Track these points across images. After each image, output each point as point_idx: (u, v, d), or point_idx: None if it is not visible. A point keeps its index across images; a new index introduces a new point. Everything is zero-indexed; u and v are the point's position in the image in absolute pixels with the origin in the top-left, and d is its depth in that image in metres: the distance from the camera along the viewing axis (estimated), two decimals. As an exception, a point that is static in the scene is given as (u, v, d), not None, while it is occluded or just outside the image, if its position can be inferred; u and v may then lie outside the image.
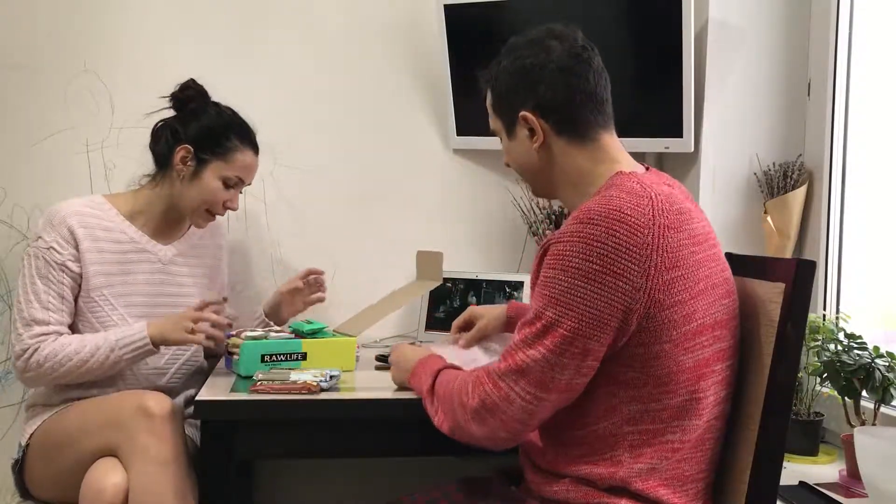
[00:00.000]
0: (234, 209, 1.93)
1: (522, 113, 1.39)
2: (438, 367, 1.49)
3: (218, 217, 1.96)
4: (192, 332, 1.74)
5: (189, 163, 1.85)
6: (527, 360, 1.27)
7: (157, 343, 1.77)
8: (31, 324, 1.76)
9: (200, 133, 1.86)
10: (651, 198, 1.27)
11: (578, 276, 1.24)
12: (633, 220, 1.24)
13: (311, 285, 2.10)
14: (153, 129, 1.92)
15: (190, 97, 1.89)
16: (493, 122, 1.48)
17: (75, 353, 1.74)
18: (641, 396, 1.28)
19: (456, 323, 1.83)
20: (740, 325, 1.39)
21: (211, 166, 1.86)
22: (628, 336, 1.25)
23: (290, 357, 1.80)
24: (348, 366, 1.86)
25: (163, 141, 1.89)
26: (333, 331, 1.96)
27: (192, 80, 1.91)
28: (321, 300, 2.11)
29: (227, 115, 1.90)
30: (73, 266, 1.80)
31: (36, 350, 1.74)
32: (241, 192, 1.95)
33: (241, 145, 1.89)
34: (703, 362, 1.29)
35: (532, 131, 1.39)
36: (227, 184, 1.88)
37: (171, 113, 1.92)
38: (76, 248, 1.80)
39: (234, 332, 1.85)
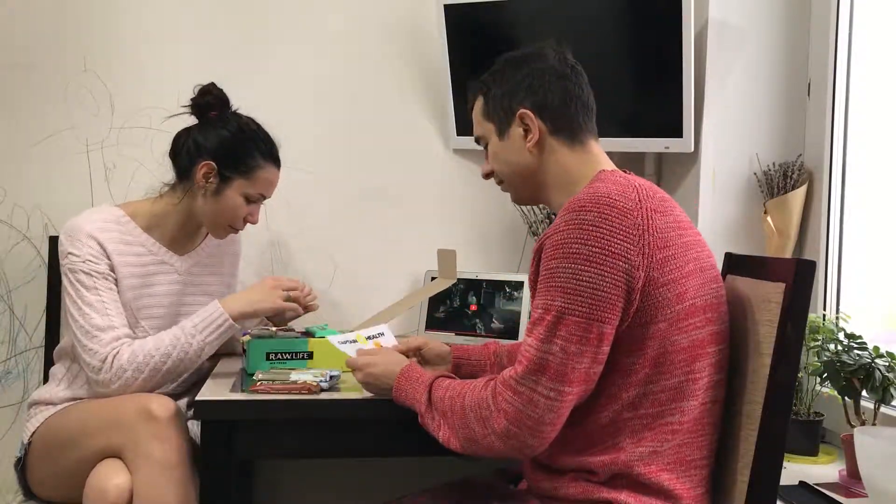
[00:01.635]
0: (254, 223, 1.91)
1: (521, 111, 1.43)
2: (428, 378, 1.46)
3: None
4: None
5: (212, 179, 1.82)
6: (545, 356, 1.27)
7: (238, 318, 1.77)
8: (97, 332, 1.71)
9: (223, 149, 1.82)
10: (635, 187, 1.33)
11: (580, 261, 1.26)
12: (621, 204, 1.28)
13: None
14: (174, 138, 1.89)
15: (210, 104, 1.86)
16: (482, 128, 1.51)
17: (155, 349, 1.71)
18: (639, 380, 1.30)
19: (407, 346, 1.75)
20: (736, 321, 1.41)
21: (234, 184, 1.83)
22: (630, 317, 1.28)
23: (296, 356, 1.80)
24: None
25: (184, 152, 1.85)
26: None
27: (213, 85, 1.87)
28: (314, 308, 2.04)
29: (251, 130, 1.87)
30: (111, 275, 1.78)
31: (115, 356, 1.69)
32: (261, 205, 1.92)
33: (265, 162, 1.86)
34: (697, 343, 1.32)
35: (527, 130, 1.44)
36: (249, 199, 1.86)
37: (190, 118, 1.89)
38: (108, 259, 1.78)
39: (248, 332, 1.85)
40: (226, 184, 1.83)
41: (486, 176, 1.55)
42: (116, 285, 1.79)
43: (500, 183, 1.54)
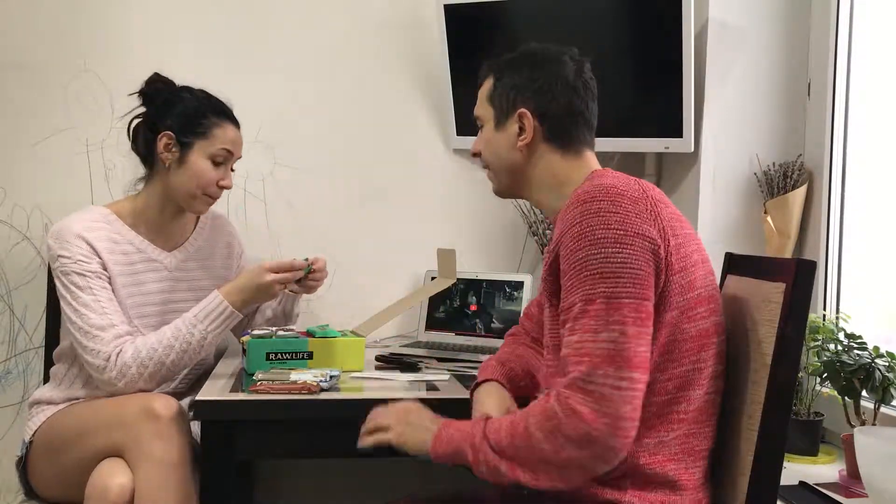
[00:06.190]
0: (228, 187, 1.88)
1: (522, 110, 1.44)
2: (481, 423, 1.30)
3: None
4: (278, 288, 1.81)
5: (173, 149, 1.82)
6: (604, 346, 1.21)
7: (239, 308, 1.77)
8: (97, 332, 1.70)
9: (178, 118, 1.83)
10: (636, 180, 1.35)
11: (608, 244, 1.25)
12: (629, 193, 1.29)
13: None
14: (131, 130, 1.89)
15: (159, 89, 1.87)
16: (483, 110, 1.52)
17: (158, 342, 1.71)
18: (650, 368, 1.28)
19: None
20: (736, 321, 1.42)
21: (195, 148, 1.82)
22: (655, 297, 1.27)
23: (296, 356, 1.80)
24: (357, 366, 1.86)
25: (142, 137, 1.86)
26: (350, 331, 1.96)
27: (157, 74, 1.89)
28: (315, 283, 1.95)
29: (200, 96, 1.88)
30: (104, 273, 1.78)
31: (119, 354, 1.69)
32: (233, 170, 1.90)
33: (220, 121, 1.85)
34: (704, 333, 1.33)
35: (522, 130, 1.45)
36: (216, 161, 1.85)
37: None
38: (99, 257, 1.78)
39: (248, 332, 1.85)
40: (187, 149, 1.83)
41: (475, 155, 1.55)
42: (110, 283, 1.79)
43: (485, 168, 1.55)
